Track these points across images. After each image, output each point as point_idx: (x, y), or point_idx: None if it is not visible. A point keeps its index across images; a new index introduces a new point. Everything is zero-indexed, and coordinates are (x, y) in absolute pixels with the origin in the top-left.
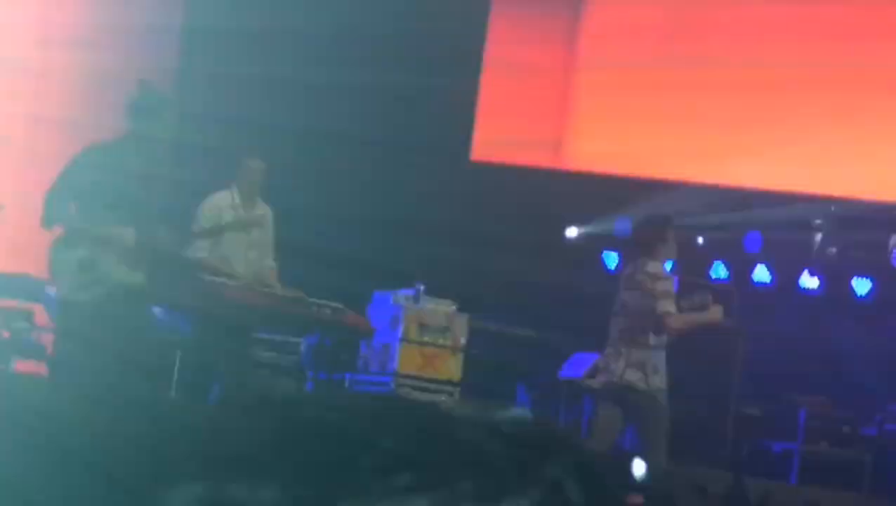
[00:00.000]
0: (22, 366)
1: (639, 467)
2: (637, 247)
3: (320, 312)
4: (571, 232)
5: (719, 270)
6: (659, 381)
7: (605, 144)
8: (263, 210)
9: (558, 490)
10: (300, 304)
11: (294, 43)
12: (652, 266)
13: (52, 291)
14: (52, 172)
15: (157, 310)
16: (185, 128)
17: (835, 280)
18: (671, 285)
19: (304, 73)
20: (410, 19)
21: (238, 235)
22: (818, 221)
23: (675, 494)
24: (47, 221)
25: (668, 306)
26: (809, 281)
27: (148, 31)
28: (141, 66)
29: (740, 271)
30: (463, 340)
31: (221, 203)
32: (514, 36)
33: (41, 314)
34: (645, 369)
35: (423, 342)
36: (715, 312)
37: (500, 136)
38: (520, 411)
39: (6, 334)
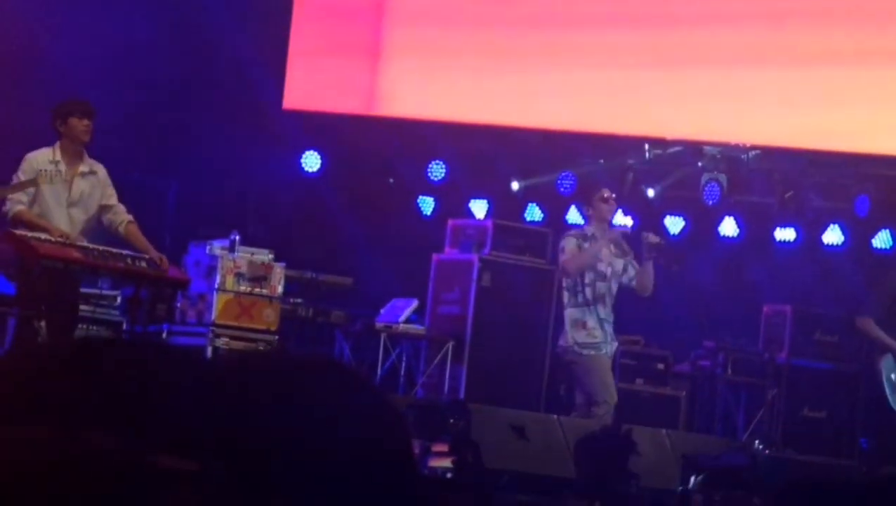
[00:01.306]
0: None
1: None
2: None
3: (135, 264)
4: (388, 178)
5: (534, 213)
6: (579, 336)
7: (419, 89)
8: (94, 168)
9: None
10: (115, 256)
11: None
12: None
13: None
14: None
15: None
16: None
17: (648, 219)
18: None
19: (114, 25)
20: None
21: (58, 190)
22: (631, 161)
23: (493, 436)
24: None
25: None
26: (624, 221)
27: None
28: None
29: (554, 214)
30: (280, 289)
31: (41, 159)
32: None
33: None
34: (564, 327)
35: (240, 292)
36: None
37: (313, 83)
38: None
39: None
